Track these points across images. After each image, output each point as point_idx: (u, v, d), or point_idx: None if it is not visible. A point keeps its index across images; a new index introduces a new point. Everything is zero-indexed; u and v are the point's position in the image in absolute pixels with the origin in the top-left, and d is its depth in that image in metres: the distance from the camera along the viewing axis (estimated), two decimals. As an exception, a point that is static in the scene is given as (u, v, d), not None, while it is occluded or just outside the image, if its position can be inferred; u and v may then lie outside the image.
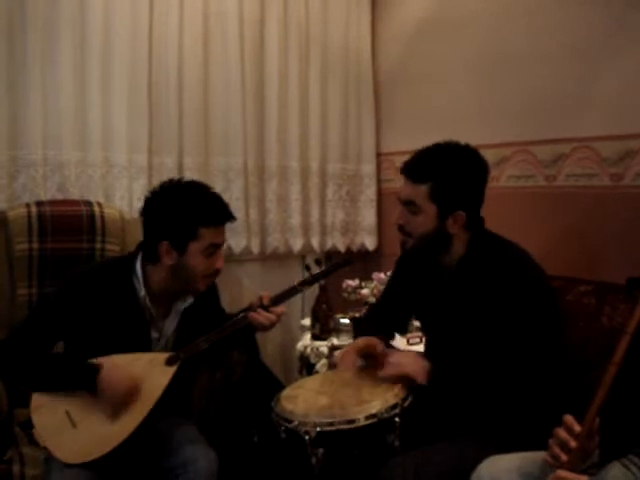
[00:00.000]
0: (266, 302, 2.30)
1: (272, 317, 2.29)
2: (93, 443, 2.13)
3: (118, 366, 2.18)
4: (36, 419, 2.20)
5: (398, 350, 2.29)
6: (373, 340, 2.31)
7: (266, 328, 2.32)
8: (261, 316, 2.28)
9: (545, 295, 2.08)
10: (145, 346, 2.29)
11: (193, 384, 2.58)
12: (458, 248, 2.19)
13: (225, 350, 2.54)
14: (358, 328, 2.59)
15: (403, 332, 2.97)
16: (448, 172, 2.11)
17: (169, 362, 2.25)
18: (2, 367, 2.25)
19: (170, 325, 2.34)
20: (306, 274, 2.42)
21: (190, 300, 2.33)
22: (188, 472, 2.15)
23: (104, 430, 2.15)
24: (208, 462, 2.19)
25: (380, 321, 2.54)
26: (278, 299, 2.33)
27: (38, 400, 2.22)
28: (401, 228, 2.22)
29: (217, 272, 2.29)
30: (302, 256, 4.05)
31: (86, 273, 2.32)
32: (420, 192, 2.13)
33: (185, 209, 2.18)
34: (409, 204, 2.17)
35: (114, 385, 2.15)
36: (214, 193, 2.28)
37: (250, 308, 2.32)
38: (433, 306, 2.32)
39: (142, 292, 2.26)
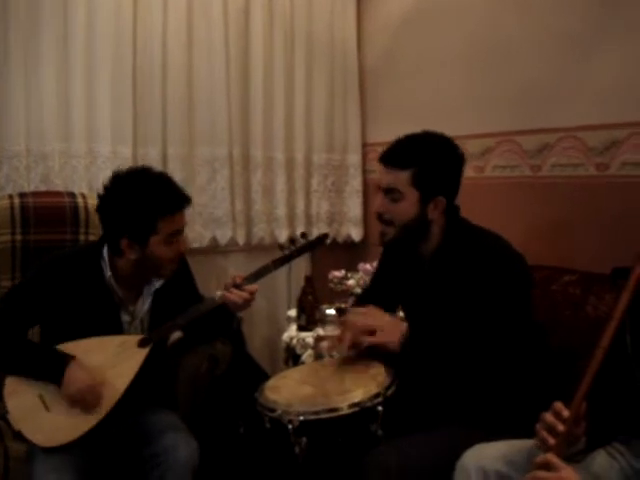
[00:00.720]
0: (239, 281, 2.30)
1: (245, 295, 2.29)
2: (67, 426, 2.14)
3: (82, 368, 2.18)
4: (10, 403, 2.20)
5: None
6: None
7: (240, 307, 2.31)
8: (234, 295, 2.28)
9: (514, 276, 2.09)
10: (116, 328, 2.30)
11: (178, 376, 2.57)
12: (435, 235, 2.21)
13: (205, 337, 2.53)
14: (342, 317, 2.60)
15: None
16: (430, 158, 2.14)
17: (141, 344, 2.25)
18: None
19: (142, 307, 2.34)
20: (279, 253, 2.39)
21: (161, 281, 2.33)
22: (168, 460, 2.15)
23: (77, 413, 2.16)
24: (189, 450, 2.19)
25: None
26: (251, 278, 2.32)
27: (11, 385, 2.23)
28: (381, 217, 2.23)
29: (182, 254, 2.30)
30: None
31: (57, 258, 2.32)
32: (402, 178, 2.15)
33: (140, 204, 2.15)
34: (390, 192, 2.18)
35: (73, 388, 2.15)
36: (167, 181, 2.26)
37: (224, 288, 2.31)
38: (413, 294, 2.33)
39: (108, 273, 2.26)
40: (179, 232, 2.25)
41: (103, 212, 2.23)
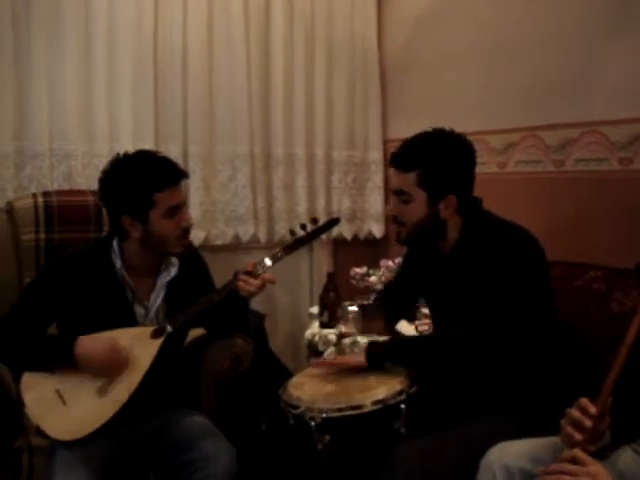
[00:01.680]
0: (250, 268, 2.28)
1: (257, 282, 2.26)
2: (84, 419, 2.14)
3: (94, 336, 2.20)
4: (27, 398, 2.21)
5: None
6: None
7: (252, 294, 2.28)
8: (246, 282, 2.26)
9: (527, 265, 2.08)
10: (130, 321, 2.30)
11: (200, 374, 2.58)
12: (453, 232, 2.21)
13: (223, 329, 2.52)
14: (365, 313, 2.61)
15: (411, 318, 2.98)
16: (434, 158, 2.13)
17: (155, 335, 2.26)
18: None
19: (156, 299, 2.35)
20: (290, 238, 2.37)
21: (173, 273, 2.34)
22: (209, 467, 2.14)
23: (94, 406, 2.16)
24: (230, 458, 2.18)
25: (388, 305, 2.58)
26: (262, 264, 2.29)
27: (28, 380, 2.24)
28: (395, 219, 2.25)
29: (187, 230, 2.30)
30: (310, 245, 4.05)
31: (67, 255, 2.36)
32: (409, 180, 2.15)
33: (135, 180, 2.19)
34: (400, 193, 2.19)
35: (91, 353, 2.16)
36: (160, 157, 2.30)
37: (235, 276, 2.30)
38: (435, 290, 2.34)
39: (119, 263, 2.28)
40: (179, 207, 2.26)
41: (103, 194, 2.28)
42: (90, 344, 2.18)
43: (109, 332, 2.24)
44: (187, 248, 2.37)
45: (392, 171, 2.22)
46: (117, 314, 2.29)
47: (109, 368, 2.19)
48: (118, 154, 2.29)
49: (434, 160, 2.13)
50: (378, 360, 2.15)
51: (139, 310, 2.33)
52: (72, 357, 2.16)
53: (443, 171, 2.13)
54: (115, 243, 2.31)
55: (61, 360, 2.19)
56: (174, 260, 2.35)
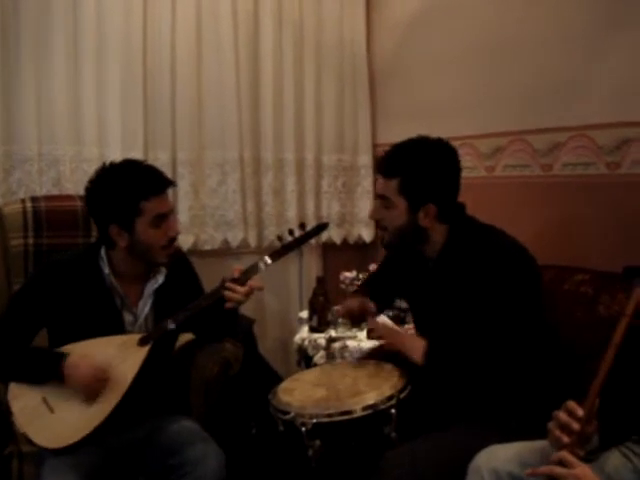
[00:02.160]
0: (237, 274, 2.26)
1: (244, 289, 2.24)
2: (71, 427, 2.14)
3: (82, 356, 2.19)
4: (14, 407, 2.21)
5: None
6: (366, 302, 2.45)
7: (239, 301, 2.25)
8: (233, 290, 2.24)
9: (521, 273, 2.09)
10: (119, 328, 2.30)
11: (190, 379, 2.57)
12: (436, 239, 2.22)
13: (212, 335, 2.51)
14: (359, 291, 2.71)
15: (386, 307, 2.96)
16: (415, 167, 2.15)
17: (142, 342, 2.25)
18: None
19: (144, 307, 2.34)
20: (278, 244, 2.37)
21: (160, 280, 2.34)
22: (197, 471, 2.14)
23: (81, 414, 2.16)
24: (218, 462, 2.18)
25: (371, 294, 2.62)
26: (249, 270, 2.28)
27: (15, 389, 2.24)
28: (378, 223, 2.28)
29: (173, 240, 2.30)
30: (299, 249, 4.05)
31: (55, 262, 2.35)
32: (390, 187, 2.17)
33: (121, 189, 2.19)
34: (383, 198, 2.21)
35: (78, 377, 2.16)
36: (146, 165, 2.31)
37: (222, 283, 2.28)
38: (419, 294, 2.36)
39: (106, 270, 2.28)
40: (165, 216, 2.25)
41: (89, 203, 2.27)
42: (78, 365, 2.17)
43: (96, 340, 2.24)
44: (174, 256, 2.36)
45: (378, 176, 2.26)
46: (106, 320, 2.28)
47: (92, 392, 2.18)
48: (104, 163, 2.29)
49: (414, 169, 2.14)
50: (435, 365, 2.12)
51: (128, 317, 2.33)
52: (60, 374, 2.17)
53: (422, 180, 2.14)
54: (103, 251, 2.31)
55: (48, 377, 2.20)
56: (162, 268, 2.34)
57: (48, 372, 2.19)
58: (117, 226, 2.21)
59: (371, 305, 2.48)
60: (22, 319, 2.26)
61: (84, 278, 2.28)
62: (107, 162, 2.30)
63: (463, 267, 2.13)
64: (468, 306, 2.10)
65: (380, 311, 2.67)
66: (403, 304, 3.12)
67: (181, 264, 2.47)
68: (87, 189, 2.27)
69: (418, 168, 2.14)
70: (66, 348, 2.23)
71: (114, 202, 2.19)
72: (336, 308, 2.78)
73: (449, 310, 2.17)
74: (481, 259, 2.10)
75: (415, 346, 2.16)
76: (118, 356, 2.22)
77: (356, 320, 2.55)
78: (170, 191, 2.30)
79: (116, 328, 2.29)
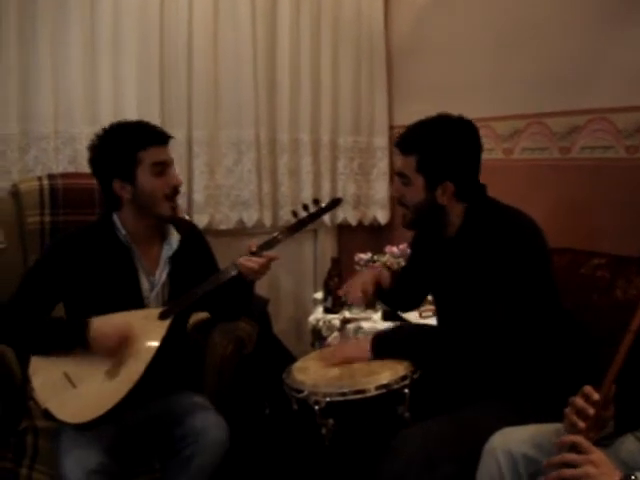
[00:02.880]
0: (254, 248, 2.30)
1: (261, 260, 2.28)
2: (94, 401, 2.14)
3: (106, 318, 2.22)
4: (35, 382, 2.21)
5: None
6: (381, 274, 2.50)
7: (257, 273, 2.30)
8: (250, 261, 2.28)
9: (526, 250, 2.08)
10: (136, 295, 2.33)
11: (204, 358, 2.58)
12: (455, 218, 2.21)
13: (227, 313, 2.52)
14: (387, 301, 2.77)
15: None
16: (433, 144, 2.14)
17: (162, 316, 2.28)
18: (2, 331, 2.28)
19: (161, 275, 2.38)
20: (293, 220, 2.38)
21: (175, 246, 2.37)
22: (199, 440, 2.16)
23: (104, 388, 2.17)
24: (220, 431, 2.20)
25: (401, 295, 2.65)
26: (266, 245, 2.32)
27: (36, 364, 2.24)
28: (399, 201, 2.27)
29: (176, 189, 2.35)
30: (314, 230, 4.05)
31: (70, 233, 2.40)
32: (409, 163, 2.17)
33: (119, 142, 2.27)
34: (401, 176, 2.21)
35: (104, 335, 2.18)
36: (141, 121, 2.38)
37: (240, 257, 2.32)
38: (438, 276, 2.35)
39: (123, 232, 2.32)
40: (165, 164, 2.31)
41: (92, 163, 2.33)
42: (102, 328, 2.19)
43: (117, 314, 2.25)
44: (187, 227, 2.43)
45: (396, 152, 2.25)
46: (124, 285, 2.31)
47: (120, 351, 2.19)
48: (104, 127, 2.35)
49: (431, 146, 2.14)
50: (383, 352, 2.15)
51: (145, 284, 2.36)
52: (85, 340, 2.18)
53: (439, 157, 2.13)
54: (115, 216, 2.35)
55: (74, 343, 2.21)
56: (173, 231, 2.39)
57: (72, 338, 2.20)
58: (119, 180, 2.27)
59: (386, 275, 2.58)
60: (40, 292, 2.27)
61: (100, 244, 2.31)
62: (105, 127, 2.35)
63: (479, 245, 2.12)
64: (483, 285, 2.09)
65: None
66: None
67: (194, 235, 2.51)
68: (89, 151, 2.33)
69: (436, 145, 2.13)
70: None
71: (113, 155, 2.26)
72: (344, 292, 2.72)
73: (466, 289, 2.17)
74: (495, 237, 2.09)
75: (360, 347, 2.21)
76: (140, 329, 2.23)
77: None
78: (168, 145, 2.36)
79: (134, 294, 2.33)
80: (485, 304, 2.06)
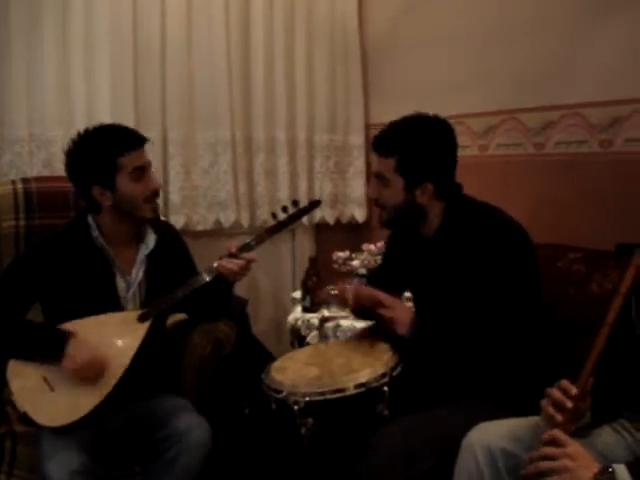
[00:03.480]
0: (234, 250, 2.31)
1: (240, 262, 2.30)
2: (71, 405, 2.15)
3: (84, 342, 2.20)
4: (14, 385, 2.22)
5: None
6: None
7: (236, 274, 2.32)
8: (230, 263, 2.29)
9: (517, 250, 2.09)
10: (112, 295, 2.33)
11: (182, 359, 2.57)
12: (434, 218, 2.21)
13: (206, 314, 2.54)
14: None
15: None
16: (412, 145, 2.13)
17: (141, 319, 2.28)
18: None
19: (137, 274, 2.38)
20: (272, 221, 2.40)
21: (151, 245, 2.38)
22: (182, 442, 2.15)
23: (81, 392, 2.17)
24: (202, 432, 2.20)
25: None
26: (245, 247, 2.33)
27: (15, 367, 2.24)
28: (376, 202, 2.27)
29: (156, 192, 2.35)
30: (292, 229, 4.04)
31: (45, 237, 2.39)
32: (387, 165, 2.16)
33: (97, 149, 2.26)
34: (379, 177, 2.21)
35: (77, 364, 2.17)
36: (119, 125, 2.38)
37: (219, 259, 2.33)
38: (418, 275, 2.34)
39: (95, 233, 2.32)
40: (143, 168, 2.31)
41: (69, 169, 2.32)
42: (76, 348, 2.18)
43: (95, 317, 2.26)
44: (163, 227, 2.44)
45: (374, 154, 2.24)
46: (99, 287, 2.31)
47: (85, 378, 2.19)
48: (79, 131, 2.33)
49: (410, 147, 2.13)
50: (417, 342, 2.12)
51: (121, 283, 2.35)
52: (61, 353, 2.18)
53: (420, 159, 2.13)
54: (90, 218, 2.34)
55: (49, 354, 2.21)
56: (150, 230, 2.39)
57: (50, 350, 2.20)
58: (99, 186, 2.26)
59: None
60: (14, 292, 2.28)
61: (74, 246, 2.31)
62: (80, 131, 2.34)
63: (460, 244, 2.13)
64: (464, 283, 2.10)
65: None
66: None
67: (170, 235, 2.52)
68: (66, 156, 2.32)
69: (415, 146, 2.13)
70: (66, 326, 2.24)
71: (92, 163, 2.26)
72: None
73: (447, 288, 2.17)
74: (477, 236, 2.10)
75: (404, 312, 2.17)
76: (117, 333, 2.24)
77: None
78: (145, 148, 2.35)
79: (110, 295, 2.33)
80: (468, 302, 2.06)
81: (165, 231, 2.47)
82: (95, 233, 2.32)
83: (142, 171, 2.30)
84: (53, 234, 2.38)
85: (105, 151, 2.25)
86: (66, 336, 2.19)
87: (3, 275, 2.37)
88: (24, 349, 2.24)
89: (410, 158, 2.13)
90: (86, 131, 2.31)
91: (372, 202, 2.28)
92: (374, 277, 2.70)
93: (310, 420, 1.98)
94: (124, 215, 2.31)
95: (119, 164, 2.25)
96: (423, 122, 2.18)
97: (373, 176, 2.25)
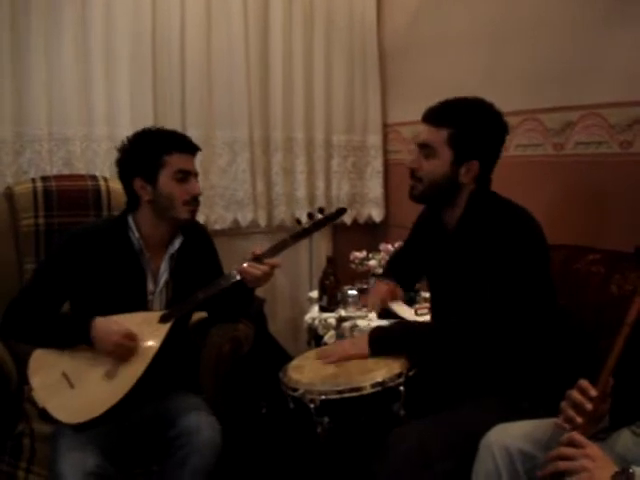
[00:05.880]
0: (258, 252, 2.32)
1: (264, 268, 2.30)
2: (91, 402, 2.16)
3: (110, 318, 2.24)
4: (34, 381, 2.24)
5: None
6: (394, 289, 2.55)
7: (260, 280, 2.32)
8: (253, 268, 2.29)
9: (532, 247, 2.09)
10: (141, 295, 2.36)
11: (201, 358, 2.58)
12: (461, 203, 2.20)
13: (227, 316, 2.56)
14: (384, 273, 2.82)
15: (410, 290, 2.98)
16: (470, 120, 2.14)
17: (163, 319, 2.30)
18: (9, 326, 2.31)
19: (163, 274, 2.39)
20: (297, 227, 2.40)
21: (176, 245, 2.39)
22: (192, 441, 2.15)
23: (101, 389, 2.19)
24: (212, 431, 2.20)
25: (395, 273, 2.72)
26: (269, 252, 2.34)
27: (35, 364, 2.27)
28: (413, 173, 2.24)
29: (196, 198, 2.37)
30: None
31: (82, 230, 2.40)
32: (439, 136, 2.15)
33: (147, 144, 2.33)
34: (425, 147, 2.19)
35: (107, 333, 2.20)
36: (175, 130, 2.46)
37: (242, 263, 2.33)
38: (436, 265, 2.35)
39: (136, 234, 2.34)
40: (189, 173, 2.34)
41: (119, 161, 2.38)
42: (105, 328, 2.21)
43: (118, 316, 2.27)
44: (193, 225, 2.45)
45: (422, 126, 2.22)
46: (130, 287, 2.34)
47: (120, 353, 2.22)
48: (137, 131, 2.40)
49: (469, 121, 2.13)
50: (381, 348, 2.15)
51: (150, 286, 2.38)
52: (88, 339, 2.21)
53: (475, 134, 2.13)
54: (130, 219, 2.37)
55: (77, 341, 2.24)
56: (179, 232, 2.41)
57: (76, 335, 2.24)
58: (141, 179, 2.30)
59: (400, 291, 2.61)
60: (49, 288, 2.31)
61: (112, 244, 2.34)
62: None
63: (479, 239, 2.13)
64: (477, 276, 2.09)
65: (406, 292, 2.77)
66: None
67: (199, 234, 2.53)
68: (118, 152, 2.38)
69: (471, 121, 2.13)
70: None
71: (140, 155, 2.31)
72: (363, 299, 2.83)
73: (461, 280, 2.17)
74: (495, 231, 2.09)
75: (358, 344, 2.21)
76: (140, 332, 2.25)
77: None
78: (195, 157, 2.41)
79: (138, 295, 2.35)
80: (481, 297, 2.06)
81: (192, 230, 2.47)
82: (135, 235, 2.34)
83: (186, 175, 2.33)
84: (90, 229, 2.41)
85: (154, 146, 2.31)
86: (89, 319, 2.22)
87: (39, 269, 2.42)
88: (52, 338, 2.27)
89: (465, 132, 2.13)
90: (144, 129, 2.38)
91: (409, 172, 2.24)
92: (393, 261, 2.75)
93: (326, 419, 1.99)
94: (161, 213, 2.34)
95: (165, 161, 2.29)
96: (480, 102, 2.19)
97: (417, 146, 2.23)
